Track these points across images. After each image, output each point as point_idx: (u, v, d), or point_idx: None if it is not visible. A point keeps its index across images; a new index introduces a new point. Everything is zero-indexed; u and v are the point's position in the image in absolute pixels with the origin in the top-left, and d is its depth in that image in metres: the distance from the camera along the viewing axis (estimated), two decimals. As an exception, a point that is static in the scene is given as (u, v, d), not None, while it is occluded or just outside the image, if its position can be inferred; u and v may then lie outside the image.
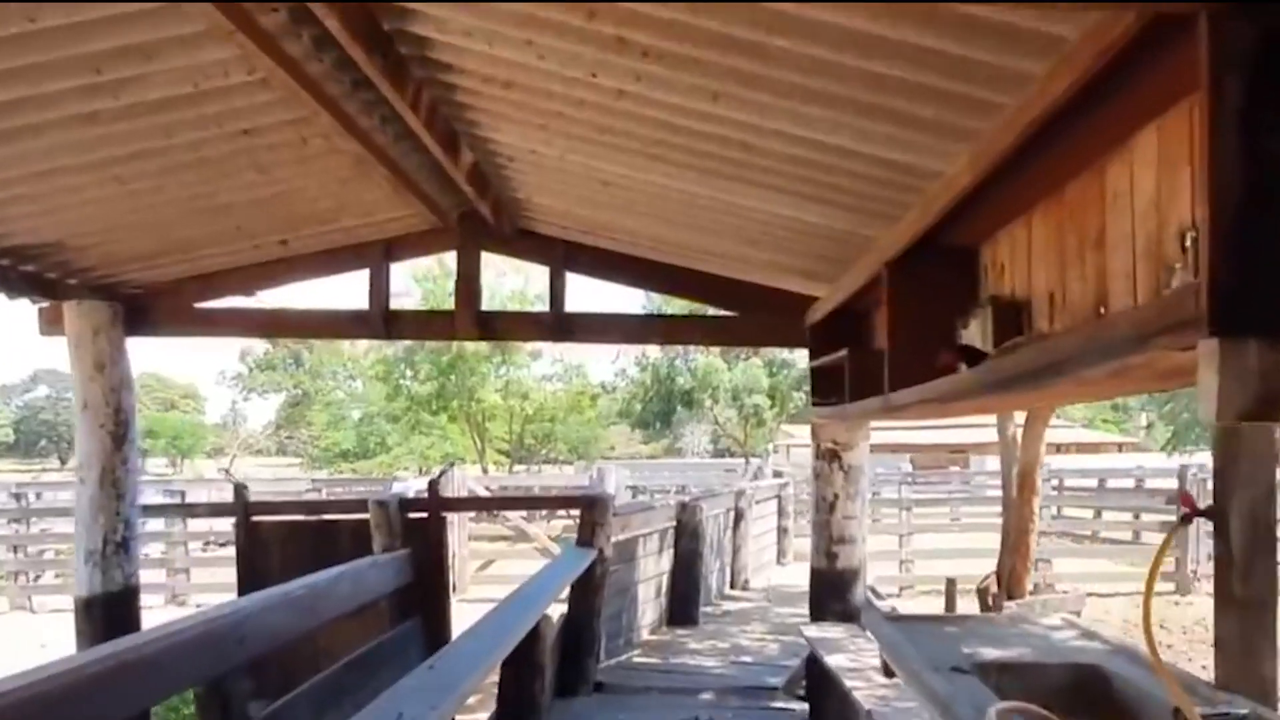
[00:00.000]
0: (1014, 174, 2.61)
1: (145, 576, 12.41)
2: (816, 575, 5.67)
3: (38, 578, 13.10)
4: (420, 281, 23.44)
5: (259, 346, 55.24)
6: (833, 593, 5.51)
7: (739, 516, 9.92)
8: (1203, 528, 12.91)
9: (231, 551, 6.77)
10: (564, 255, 5.59)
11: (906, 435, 53.58)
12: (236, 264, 5.67)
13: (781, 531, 11.94)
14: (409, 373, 25.47)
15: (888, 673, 3.58)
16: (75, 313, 5.39)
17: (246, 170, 4.45)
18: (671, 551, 8.07)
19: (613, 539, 6.24)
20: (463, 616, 12.42)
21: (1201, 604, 12.06)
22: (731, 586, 9.98)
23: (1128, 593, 12.59)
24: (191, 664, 3.49)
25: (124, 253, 5.17)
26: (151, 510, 7.06)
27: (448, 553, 6.15)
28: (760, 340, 6.13)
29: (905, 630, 2.90)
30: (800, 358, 32.68)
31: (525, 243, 5.67)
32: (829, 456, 5.49)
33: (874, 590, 11.05)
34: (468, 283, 5.54)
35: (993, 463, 42.36)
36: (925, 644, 2.69)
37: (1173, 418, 32.13)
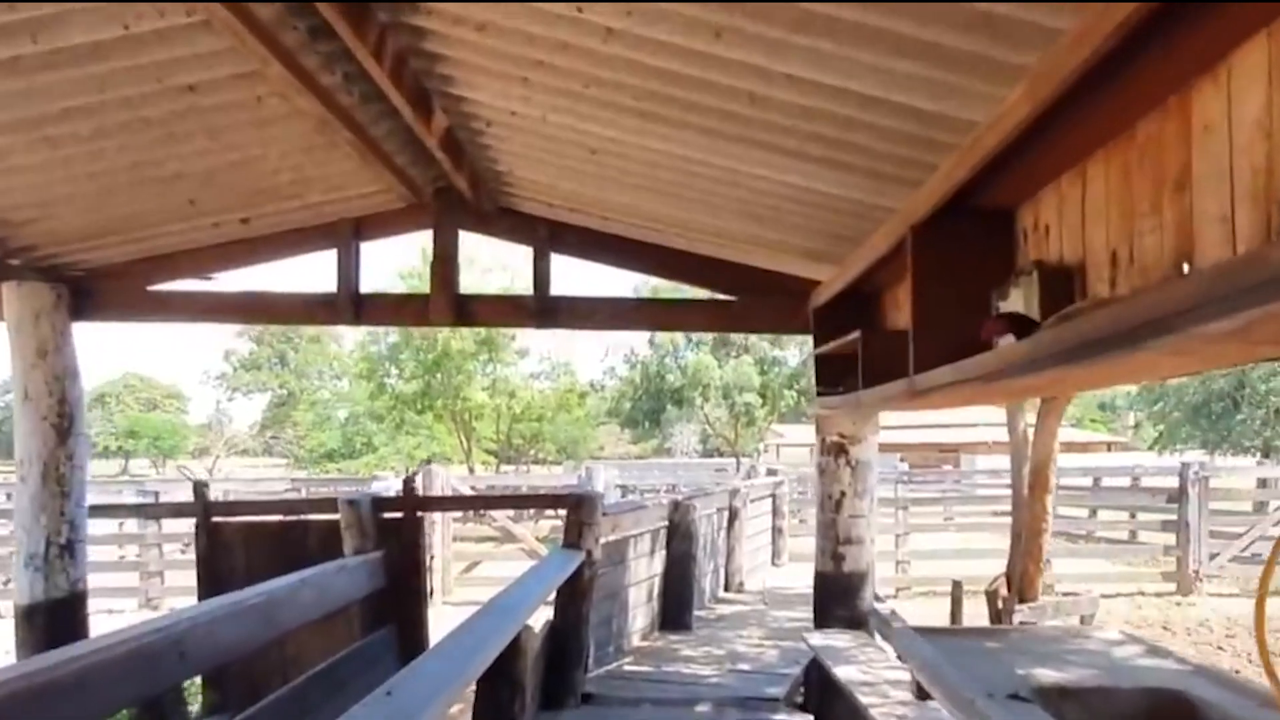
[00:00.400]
0: (1072, 112, 2.21)
1: (118, 580, 12.05)
2: (821, 579, 5.25)
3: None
4: (405, 278, 22.95)
5: (243, 346, 54.59)
6: (839, 597, 5.11)
7: (733, 516, 9.51)
8: (1206, 526, 12.62)
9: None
10: (548, 235, 5.16)
11: (896, 435, 53.43)
12: (195, 244, 5.21)
13: (776, 532, 11.54)
14: (394, 370, 24.93)
15: (921, 694, 3.18)
16: (15, 295, 4.92)
17: (196, 135, 4.00)
18: (664, 553, 7.64)
19: (602, 540, 5.81)
20: (445, 621, 12.00)
21: (1204, 605, 11.75)
22: (726, 589, 9.57)
23: (1128, 593, 12.26)
24: (122, 684, 3.03)
25: (66, 230, 4.71)
26: (100, 511, 6.59)
27: (425, 555, 5.71)
28: (760, 325, 5.68)
29: (943, 647, 2.49)
30: (792, 355, 32.24)
31: (506, 221, 5.23)
32: (835, 451, 5.08)
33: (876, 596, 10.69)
34: (444, 264, 5.10)
35: (984, 461, 42.22)
36: (970, 664, 2.29)
37: (1161, 416, 31.98)
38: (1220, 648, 9.61)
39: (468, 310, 5.17)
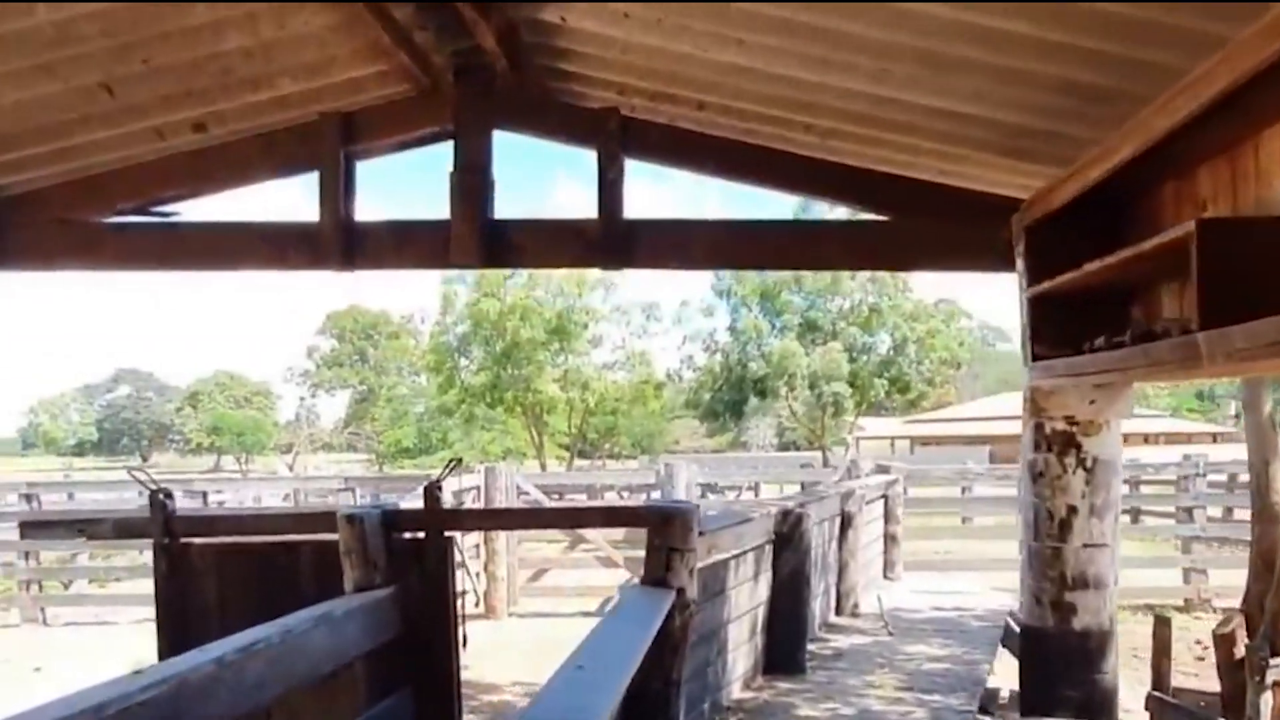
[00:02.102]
0: None
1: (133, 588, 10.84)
2: (1032, 638, 3.44)
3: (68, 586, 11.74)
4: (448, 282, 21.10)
5: (326, 343, 54.63)
6: (1063, 668, 3.29)
7: (846, 523, 7.70)
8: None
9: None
10: (620, 133, 3.47)
11: (983, 426, 50.43)
12: (136, 159, 3.69)
13: (890, 539, 9.64)
14: (463, 361, 23.59)
15: None
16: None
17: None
18: (769, 575, 5.92)
19: (698, 566, 4.12)
20: (508, 636, 10.50)
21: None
22: (837, 612, 7.76)
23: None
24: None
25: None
26: (34, 530, 5.16)
27: (455, 590, 4.09)
28: (931, 257, 3.69)
29: None
30: (882, 341, 29.30)
31: (558, 116, 3.57)
32: (1059, 444, 3.27)
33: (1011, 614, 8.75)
34: (472, 178, 3.46)
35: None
36: None
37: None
38: None
39: (504, 243, 3.52)
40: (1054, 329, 2.98)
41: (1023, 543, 3.57)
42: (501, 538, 11.64)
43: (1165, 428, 51.39)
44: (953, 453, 41.22)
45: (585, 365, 24.56)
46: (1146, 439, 49.20)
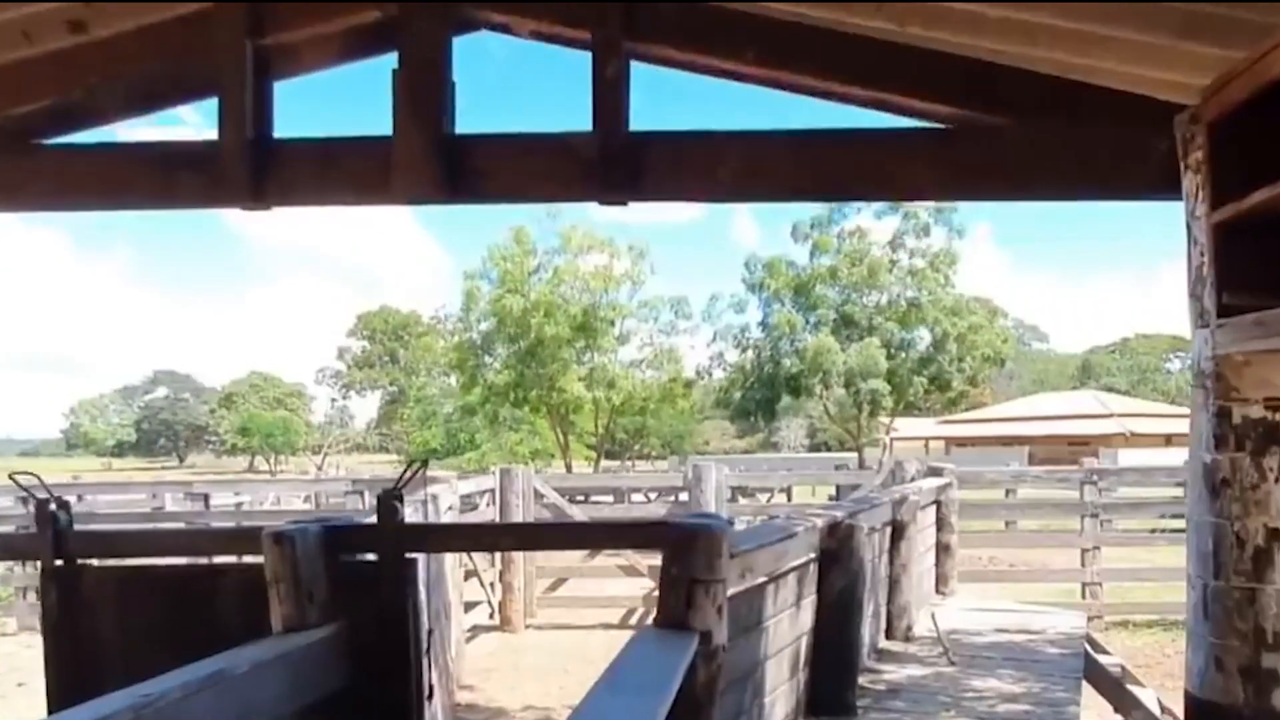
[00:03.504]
0: None
1: None
2: (1208, 714, 2.41)
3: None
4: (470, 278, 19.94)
5: (357, 345, 54.34)
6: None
7: (898, 533, 6.68)
8: None
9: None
10: (622, 14, 2.52)
11: (1020, 427, 48.73)
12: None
13: (943, 550, 8.55)
14: (486, 359, 22.68)
15: None
16: None
17: None
18: (814, 598, 4.93)
19: (729, 594, 3.16)
20: (524, 650, 9.57)
21: None
22: (888, 635, 6.73)
23: None
24: None
25: None
26: None
27: (418, 627, 3.15)
28: (1053, 178, 2.59)
29: None
30: (922, 337, 27.55)
31: (540, -4, 2.63)
32: (1256, 440, 2.25)
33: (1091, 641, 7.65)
34: (422, 78, 2.53)
35: (1126, 457, 37.34)
36: None
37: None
38: None
39: (467, 169, 2.58)
40: (1247, 272, 1.99)
41: (1192, 580, 2.55)
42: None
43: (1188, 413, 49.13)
44: (989, 454, 39.69)
45: (612, 363, 23.51)
46: (1168, 440, 47.19)
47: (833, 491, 18.44)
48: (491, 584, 10.41)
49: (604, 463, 41.76)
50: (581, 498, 12.01)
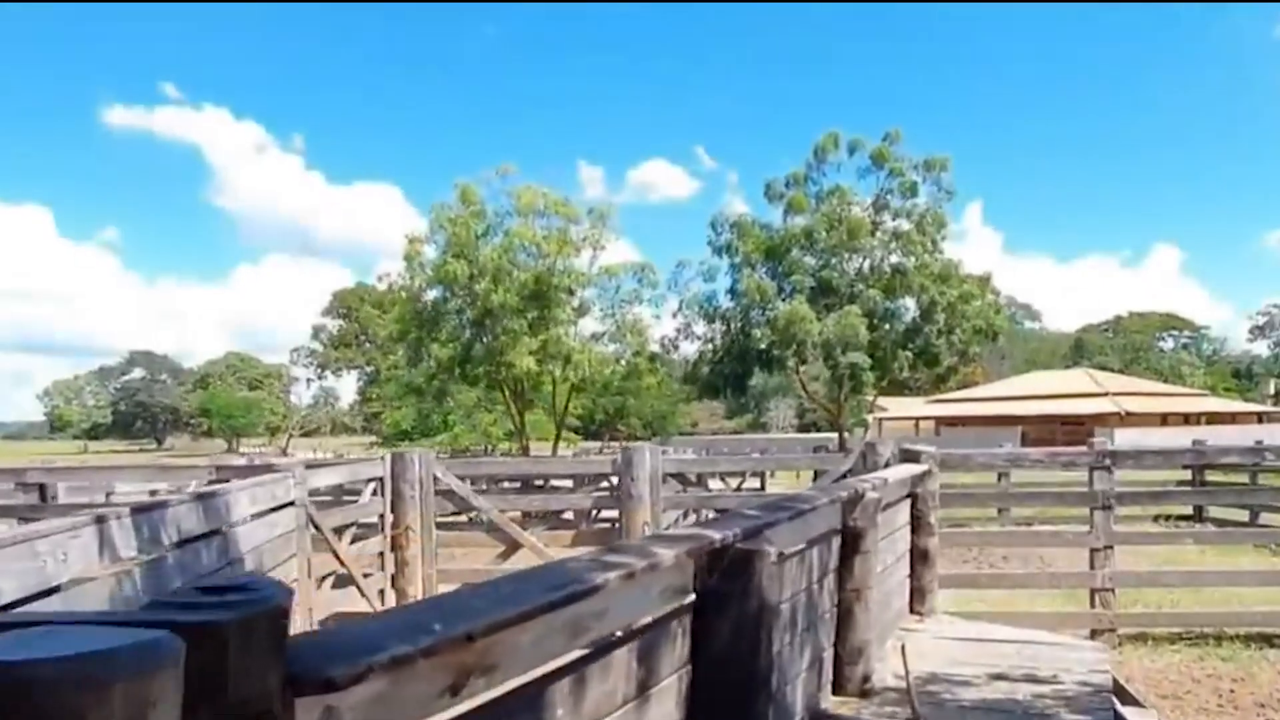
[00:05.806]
0: None
1: None
2: None
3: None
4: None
5: (331, 324, 52.18)
6: None
7: (851, 546, 4.69)
8: None
9: None
10: None
11: (1013, 406, 46.51)
12: None
13: (919, 558, 6.51)
14: (433, 331, 20.38)
15: None
16: None
17: None
18: (680, 678, 2.91)
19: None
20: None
21: None
22: (837, 689, 4.75)
23: None
24: None
25: None
26: None
27: None
28: None
29: None
30: (908, 307, 25.10)
31: None
32: None
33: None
34: None
35: (1124, 436, 34.91)
36: None
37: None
38: None
39: None
40: None
41: None
42: (415, 544, 8.93)
43: (1207, 407, 47.43)
44: (982, 434, 37.82)
45: (568, 336, 21.18)
46: (1187, 419, 45.34)
47: (811, 477, 16.41)
48: (381, 590, 8.61)
49: (584, 444, 39.55)
50: (489, 486, 10.01)
